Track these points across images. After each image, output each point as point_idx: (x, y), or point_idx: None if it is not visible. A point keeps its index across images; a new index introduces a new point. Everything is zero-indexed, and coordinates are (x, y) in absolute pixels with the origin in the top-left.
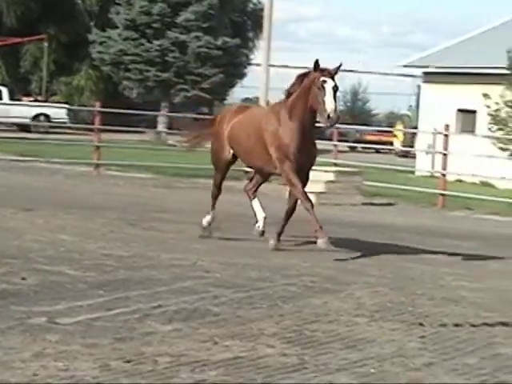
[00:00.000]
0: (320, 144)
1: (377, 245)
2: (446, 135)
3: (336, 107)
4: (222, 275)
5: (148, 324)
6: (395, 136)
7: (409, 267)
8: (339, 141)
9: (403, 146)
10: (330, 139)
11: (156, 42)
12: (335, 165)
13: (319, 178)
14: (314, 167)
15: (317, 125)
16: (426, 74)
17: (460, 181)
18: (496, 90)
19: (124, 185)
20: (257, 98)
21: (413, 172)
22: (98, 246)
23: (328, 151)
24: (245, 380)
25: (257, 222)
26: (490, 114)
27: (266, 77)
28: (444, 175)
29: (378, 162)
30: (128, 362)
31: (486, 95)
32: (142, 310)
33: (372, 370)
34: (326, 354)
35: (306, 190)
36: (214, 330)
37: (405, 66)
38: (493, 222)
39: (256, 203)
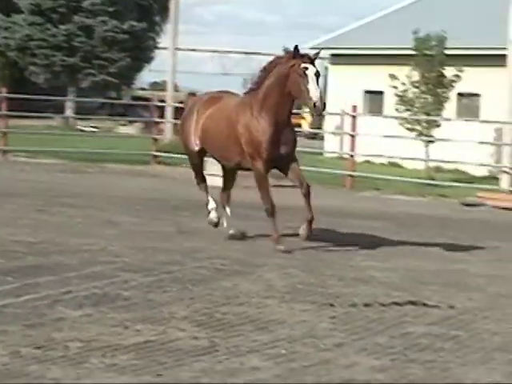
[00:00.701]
0: None
1: (286, 227)
2: (353, 116)
3: (321, 95)
4: (131, 260)
5: (58, 310)
6: (303, 118)
7: (319, 248)
8: None
9: (311, 128)
10: None
11: (62, 27)
12: None
13: None
14: None
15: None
16: (332, 55)
17: (368, 162)
18: (403, 71)
19: (31, 171)
20: (164, 82)
21: (321, 154)
22: (7, 232)
23: None
24: (156, 364)
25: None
26: (396, 95)
27: (173, 60)
28: (352, 156)
29: None
30: (38, 348)
31: (392, 76)
32: (52, 295)
33: (283, 351)
34: (236, 337)
35: (216, 172)
36: (125, 314)
37: (311, 48)
38: (401, 202)
39: (228, 210)
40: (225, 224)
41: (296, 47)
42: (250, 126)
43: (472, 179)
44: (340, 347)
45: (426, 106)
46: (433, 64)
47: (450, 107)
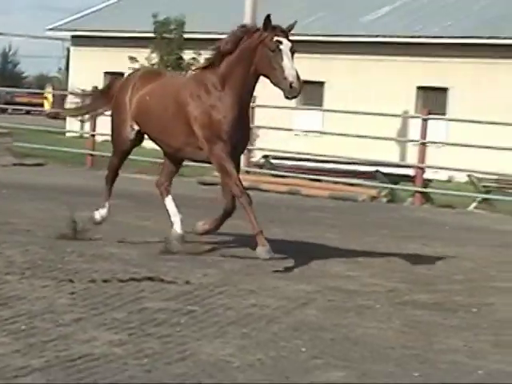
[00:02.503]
0: None
1: (23, 203)
2: None
3: (298, 73)
4: None
5: None
6: (45, 98)
7: (58, 226)
8: None
9: (53, 108)
10: None
11: None
12: None
13: None
14: None
15: None
16: (74, 37)
17: (107, 141)
18: (143, 54)
19: None
20: None
21: (63, 133)
22: None
23: None
24: None
25: (172, 225)
26: None
27: None
28: (93, 136)
29: (29, 124)
30: None
31: (132, 58)
32: None
33: (23, 327)
34: None
35: None
36: None
37: (51, 30)
38: (141, 181)
39: (169, 201)
40: (175, 226)
41: (268, 17)
42: (208, 106)
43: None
44: (79, 322)
45: None
46: (172, 47)
47: None
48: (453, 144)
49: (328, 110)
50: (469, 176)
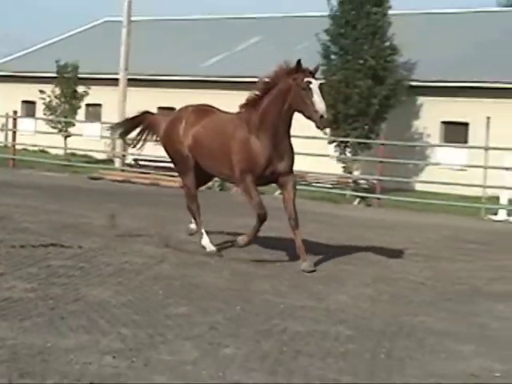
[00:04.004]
0: None
1: None
2: (14, 119)
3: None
4: None
5: None
6: None
7: None
8: None
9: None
10: None
11: None
12: None
13: None
14: None
15: None
16: None
17: (26, 149)
18: (49, 88)
19: None
20: None
21: None
22: None
23: None
24: None
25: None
26: (44, 104)
27: None
28: (14, 146)
29: None
30: None
31: (41, 91)
32: None
33: None
34: None
35: None
36: None
37: None
38: (49, 177)
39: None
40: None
41: (299, 62)
42: (247, 144)
43: (97, 161)
44: (3, 275)
45: (65, 112)
46: (69, 83)
47: (81, 113)
48: None
49: None
50: None
